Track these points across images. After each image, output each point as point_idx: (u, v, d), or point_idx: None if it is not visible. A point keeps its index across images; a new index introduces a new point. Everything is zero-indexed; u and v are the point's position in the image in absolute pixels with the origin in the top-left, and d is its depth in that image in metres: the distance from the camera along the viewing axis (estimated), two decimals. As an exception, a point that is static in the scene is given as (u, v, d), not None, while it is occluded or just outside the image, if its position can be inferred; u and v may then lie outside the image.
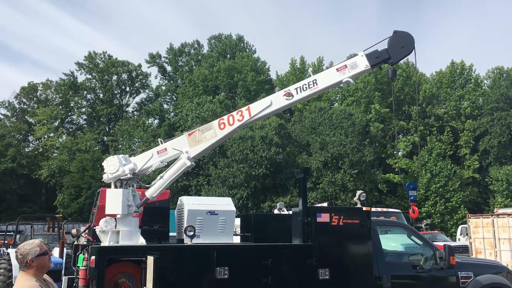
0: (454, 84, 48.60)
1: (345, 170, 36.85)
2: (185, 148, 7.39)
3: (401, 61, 7.95)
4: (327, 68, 49.99)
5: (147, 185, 7.57)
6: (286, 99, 7.36)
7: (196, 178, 38.30)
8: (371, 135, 43.01)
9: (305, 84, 7.33)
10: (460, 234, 28.97)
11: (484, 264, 9.23)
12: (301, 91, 7.32)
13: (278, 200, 29.16)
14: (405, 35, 7.39)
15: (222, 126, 7.40)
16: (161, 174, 7.44)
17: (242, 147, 36.17)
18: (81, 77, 53.82)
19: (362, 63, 7.32)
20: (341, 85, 7.73)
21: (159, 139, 7.86)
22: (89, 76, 53.65)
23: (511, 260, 18.64)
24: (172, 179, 7.41)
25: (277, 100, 7.41)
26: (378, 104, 44.67)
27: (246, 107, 7.50)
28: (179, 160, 7.41)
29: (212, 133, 7.38)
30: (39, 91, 54.64)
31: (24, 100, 54.50)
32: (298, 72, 50.79)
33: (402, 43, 7.36)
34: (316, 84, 7.30)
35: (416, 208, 8.06)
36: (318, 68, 50.63)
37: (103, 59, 54.03)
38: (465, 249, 22.32)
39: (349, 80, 7.32)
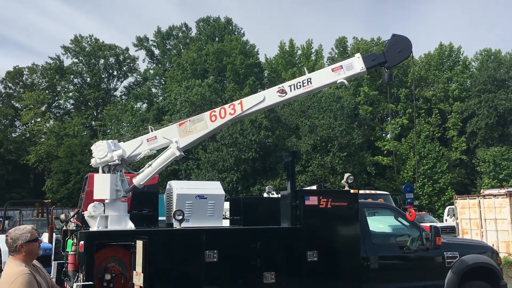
0: (442, 67, 48.75)
1: (334, 153, 37.06)
2: (175, 137, 7.38)
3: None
4: (316, 51, 50.12)
5: (135, 172, 7.56)
6: (280, 96, 7.37)
7: (185, 162, 38.26)
8: (360, 118, 43.16)
9: (299, 82, 7.33)
10: (447, 215, 29.40)
11: (469, 244, 9.41)
12: (294, 89, 7.33)
13: (267, 184, 29.29)
14: (403, 39, 7.40)
15: (213, 118, 7.39)
16: (149, 162, 7.43)
17: (232, 131, 36.14)
18: (67, 61, 53.21)
19: (358, 65, 7.30)
20: (336, 85, 7.70)
21: (149, 126, 7.84)
22: (76, 60, 53.01)
23: (496, 240, 18.99)
24: (160, 167, 7.40)
25: (270, 96, 7.42)
26: (367, 87, 44.72)
27: (239, 101, 7.50)
28: (168, 149, 7.41)
29: (203, 124, 7.39)
30: (25, 75, 53.86)
31: (10, 84, 53.75)
32: (287, 55, 50.57)
33: (399, 47, 7.37)
34: (310, 83, 7.31)
35: (413, 211, 8.12)
36: (307, 51, 50.45)
37: (89, 42, 53.33)
38: (452, 230, 22.71)
39: (343, 81, 7.29)
